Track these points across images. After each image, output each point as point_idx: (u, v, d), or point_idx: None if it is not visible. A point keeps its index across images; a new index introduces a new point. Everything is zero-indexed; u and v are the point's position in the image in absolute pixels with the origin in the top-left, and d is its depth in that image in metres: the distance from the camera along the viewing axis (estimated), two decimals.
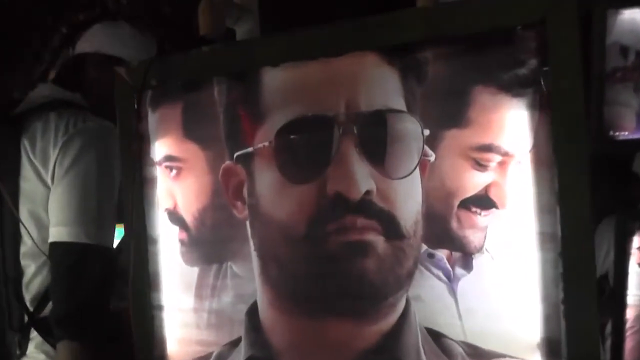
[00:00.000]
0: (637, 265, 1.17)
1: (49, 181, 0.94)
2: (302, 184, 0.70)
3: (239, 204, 0.76)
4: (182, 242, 0.80)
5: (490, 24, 0.63)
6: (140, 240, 0.81)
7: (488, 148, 0.64)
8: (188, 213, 0.79)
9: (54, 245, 0.92)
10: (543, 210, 0.61)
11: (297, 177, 0.71)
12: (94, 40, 1.07)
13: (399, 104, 0.67)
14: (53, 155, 0.94)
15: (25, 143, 0.96)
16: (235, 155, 0.75)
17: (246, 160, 0.74)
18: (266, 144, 0.72)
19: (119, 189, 0.96)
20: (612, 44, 1.31)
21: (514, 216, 0.63)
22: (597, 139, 1.27)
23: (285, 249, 0.72)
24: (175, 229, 0.81)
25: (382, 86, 0.68)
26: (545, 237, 0.61)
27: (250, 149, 0.74)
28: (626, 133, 1.29)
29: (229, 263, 0.78)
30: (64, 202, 0.93)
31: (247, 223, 0.75)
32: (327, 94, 0.69)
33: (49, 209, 0.94)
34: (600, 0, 1.30)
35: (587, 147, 0.59)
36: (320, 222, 0.69)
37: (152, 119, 0.81)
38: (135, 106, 0.80)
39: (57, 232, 0.92)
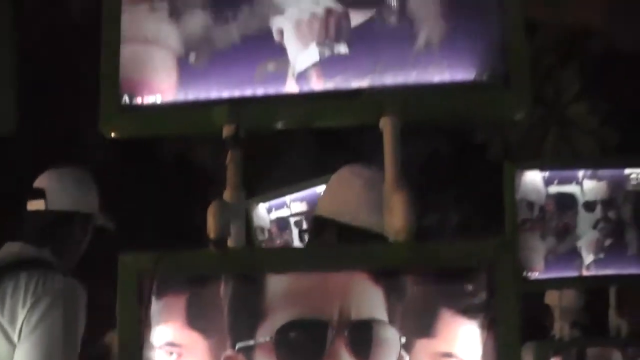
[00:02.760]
0: None
1: (15, 339, 1.15)
2: None
3: None
4: None
5: (454, 263, 1.02)
6: None
7: (449, 355, 1.02)
8: None
9: None
10: None
11: None
12: (73, 196, 1.29)
13: (383, 315, 1.03)
14: (21, 314, 1.16)
15: None
16: (237, 346, 1.05)
17: (247, 352, 1.04)
18: (267, 338, 1.03)
19: None
20: (520, 200, 1.84)
21: None
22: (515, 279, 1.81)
23: None
24: None
25: (369, 300, 1.03)
26: None
27: (252, 342, 1.04)
28: (537, 273, 1.88)
29: None
30: (29, 358, 1.14)
31: None
32: (324, 301, 1.03)
33: None
34: (510, 161, 1.86)
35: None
36: None
37: (156, 306, 1.07)
38: (139, 294, 1.06)
39: None
